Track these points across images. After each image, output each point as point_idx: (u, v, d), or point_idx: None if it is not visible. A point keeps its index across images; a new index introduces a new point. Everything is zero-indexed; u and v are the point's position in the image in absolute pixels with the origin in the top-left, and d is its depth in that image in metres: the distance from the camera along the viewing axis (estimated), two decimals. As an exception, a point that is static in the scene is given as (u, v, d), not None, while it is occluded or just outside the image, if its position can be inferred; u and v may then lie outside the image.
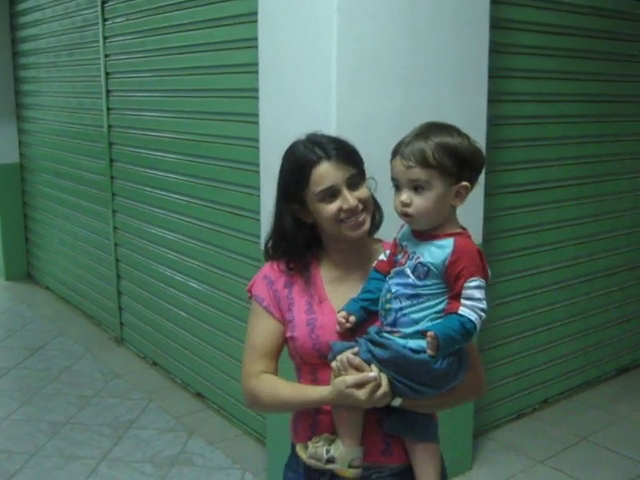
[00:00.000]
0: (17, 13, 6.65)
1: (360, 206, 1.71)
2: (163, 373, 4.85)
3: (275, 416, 3.39)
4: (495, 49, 3.44)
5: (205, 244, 4.20)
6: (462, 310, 1.54)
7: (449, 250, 1.56)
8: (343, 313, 1.69)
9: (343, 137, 1.80)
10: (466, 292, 1.55)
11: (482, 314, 1.55)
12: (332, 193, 1.70)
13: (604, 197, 4.42)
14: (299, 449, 1.73)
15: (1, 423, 4.16)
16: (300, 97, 3.01)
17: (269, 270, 1.84)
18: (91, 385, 4.68)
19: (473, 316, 1.53)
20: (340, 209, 1.70)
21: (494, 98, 3.50)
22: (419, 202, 1.57)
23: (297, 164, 1.73)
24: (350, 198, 1.69)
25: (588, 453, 3.87)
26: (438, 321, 1.57)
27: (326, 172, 1.69)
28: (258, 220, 3.41)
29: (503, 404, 4.13)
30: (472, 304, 1.54)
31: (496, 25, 3.41)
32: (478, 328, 1.55)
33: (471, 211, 3.34)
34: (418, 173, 1.56)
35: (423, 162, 1.55)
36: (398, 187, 1.60)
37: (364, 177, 1.76)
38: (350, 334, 1.71)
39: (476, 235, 3.42)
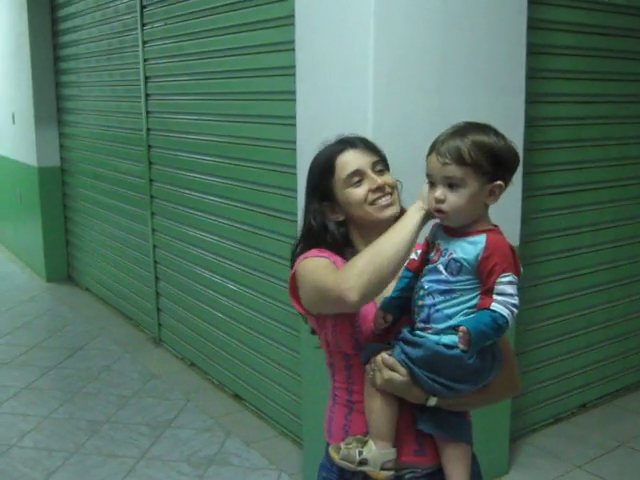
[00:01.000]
0: (58, 19, 6.77)
1: (388, 188, 1.77)
2: (200, 374, 4.89)
3: (311, 417, 3.41)
4: (533, 50, 3.41)
5: (242, 246, 4.23)
6: (494, 306, 1.55)
7: (482, 246, 1.57)
8: (380, 312, 1.70)
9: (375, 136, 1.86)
10: (498, 287, 1.56)
11: (514, 309, 1.55)
12: (359, 177, 1.77)
13: (644, 199, 4.36)
14: (332, 450, 1.74)
15: (42, 421, 4.24)
16: (337, 100, 3.03)
17: (314, 252, 1.79)
18: (130, 385, 4.74)
19: (505, 311, 1.55)
20: (368, 190, 1.76)
21: (532, 99, 3.48)
22: (453, 199, 1.58)
23: (323, 157, 1.82)
24: (378, 178, 1.77)
25: (627, 459, 3.81)
26: (470, 316, 1.58)
27: (351, 157, 1.78)
28: (295, 222, 3.42)
29: (541, 408, 4.09)
30: (504, 299, 1.55)
31: (533, 25, 3.39)
32: (510, 323, 1.56)
33: (508, 213, 3.36)
34: (453, 170, 1.57)
35: (459, 160, 1.57)
36: (433, 184, 1.62)
37: (388, 167, 1.83)
38: (384, 333, 1.71)
39: (513, 237, 3.41)
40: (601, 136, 4.03)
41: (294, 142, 3.33)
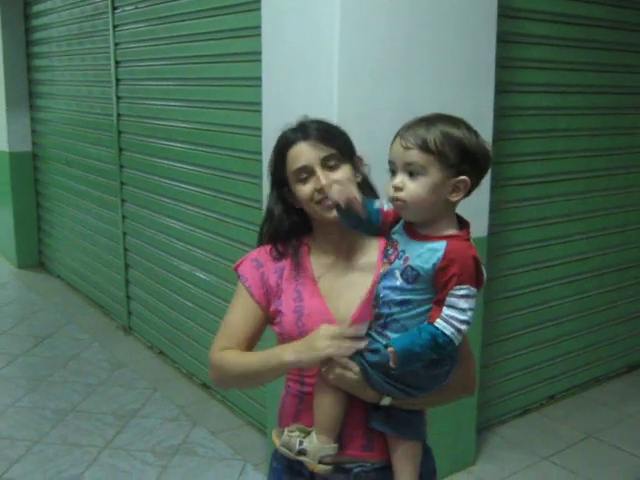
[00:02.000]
0: (30, 2, 6.66)
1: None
2: (169, 363, 4.85)
3: (276, 407, 3.37)
4: (504, 39, 3.39)
5: (210, 233, 4.18)
6: (438, 322, 1.48)
7: (440, 254, 1.49)
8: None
9: (339, 124, 1.77)
10: (450, 300, 1.48)
11: (461, 327, 1.48)
12: (306, 174, 1.67)
13: (614, 191, 4.35)
14: (274, 435, 1.71)
15: (6, 410, 4.18)
16: (303, 86, 2.98)
17: (259, 253, 1.82)
18: (97, 373, 4.69)
19: (448, 330, 1.47)
20: (314, 189, 1.67)
21: (502, 89, 3.46)
22: (412, 187, 1.49)
23: (278, 145, 1.74)
24: (323, 178, 1.65)
25: (594, 451, 3.82)
26: (407, 332, 1.52)
27: (300, 152, 1.68)
28: (260, 209, 3.38)
29: (509, 399, 4.09)
30: (452, 315, 1.47)
31: (505, 14, 3.36)
32: (457, 342, 1.49)
33: (477, 203, 3.33)
34: (416, 156, 1.48)
35: (422, 146, 1.48)
36: (394, 172, 1.54)
37: (346, 160, 1.69)
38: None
39: (482, 228, 3.39)
40: (571, 127, 4.01)
41: (260, 129, 3.28)
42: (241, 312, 1.78)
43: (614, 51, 4.11)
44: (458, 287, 1.47)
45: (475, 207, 3.33)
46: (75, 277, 6.47)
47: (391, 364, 1.51)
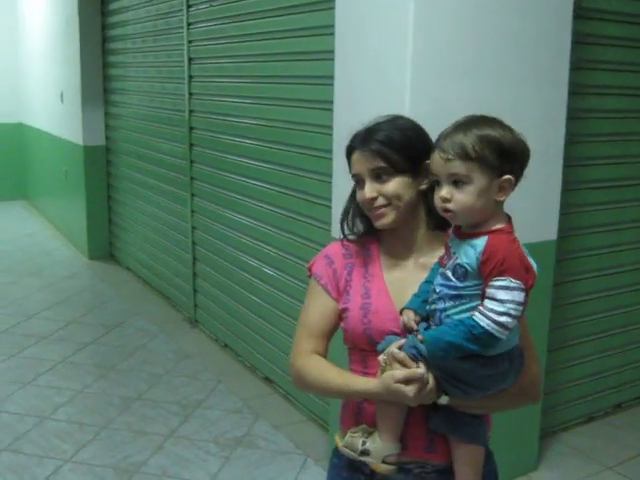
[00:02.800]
0: (106, 1, 6.83)
1: (381, 200, 1.69)
2: (233, 356, 4.92)
3: (338, 403, 3.40)
4: (579, 40, 3.34)
5: (279, 230, 4.23)
6: (475, 314, 1.49)
7: (481, 249, 1.50)
8: (410, 314, 1.65)
9: (412, 124, 1.77)
10: (489, 291, 1.49)
11: (500, 319, 1.47)
12: (359, 181, 1.74)
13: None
14: (337, 437, 1.73)
15: (76, 395, 4.31)
16: (375, 85, 2.99)
17: (331, 250, 1.86)
18: (163, 364, 4.79)
19: (484, 322, 1.48)
20: (362, 198, 1.73)
21: (577, 90, 3.40)
22: (460, 197, 1.51)
23: (347, 147, 1.78)
24: (368, 190, 1.70)
25: (661, 462, 3.74)
26: (444, 324, 1.55)
27: (356, 159, 1.73)
28: (330, 207, 3.41)
29: (574, 406, 4.02)
30: (490, 306, 1.48)
31: (580, 15, 3.31)
32: (499, 335, 1.48)
33: (548, 206, 3.30)
34: (458, 166, 1.50)
35: (463, 155, 1.49)
36: (439, 182, 1.56)
37: (402, 171, 1.69)
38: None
39: (551, 231, 3.35)
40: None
41: (331, 127, 3.31)
42: (319, 310, 1.81)
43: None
44: (497, 278, 1.48)
45: (545, 210, 3.30)
46: (144, 269, 6.62)
47: (422, 351, 1.54)
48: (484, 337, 1.48)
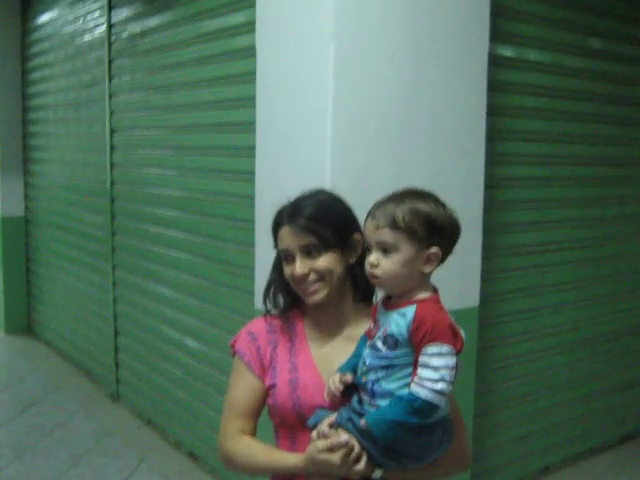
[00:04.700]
0: (28, 70, 6.77)
1: (312, 276, 1.69)
2: (157, 432, 4.76)
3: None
4: (495, 111, 3.45)
5: (201, 301, 4.17)
6: (412, 387, 1.50)
7: (410, 317, 1.53)
8: (336, 377, 1.64)
9: (336, 199, 1.79)
10: (422, 359, 1.51)
11: (436, 386, 1.48)
12: (288, 256, 1.72)
13: (605, 260, 4.37)
14: None
15: (-11, 480, 4.09)
16: (295, 155, 3.02)
17: (254, 326, 1.84)
18: (83, 443, 4.59)
19: (422, 392, 1.49)
20: (291, 274, 1.72)
21: (493, 159, 3.50)
22: (386, 264, 1.57)
23: (273, 221, 1.77)
24: (298, 267, 1.69)
25: (590, 524, 3.75)
26: (385, 404, 1.54)
27: (283, 236, 1.72)
28: (252, 277, 3.38)
29: (502, 471, 4.02)
30: (425, 375, 1.49)
31: (495, 87, 3.43)
32: (438, 402, 1.49)
33: (469, 273, 3.34)
34: (387, 234, 1.56)
35: (392, 224, 1.55)
36: (369, 249, 1.60)
37: (331, 247, 1.70)
38: (336, 401, 1.67)
39: (473, 297, 3.39)
40: (562, 197, 4.05)
41: (253, 197, 3.31)
42: (244, 389, 1.78)
43: (603, 124, 4.18)
44: (429, 345, 1.50)
45: (467, 277, 3.34)
46: (64, 343, 6.41)
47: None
48: (424, 408, 1.49)
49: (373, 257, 1.58)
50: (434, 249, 1.57)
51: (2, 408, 5.19)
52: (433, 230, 1.56)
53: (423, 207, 1.57)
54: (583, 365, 4.37)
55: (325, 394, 1.66)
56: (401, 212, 1.55)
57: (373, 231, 1.58)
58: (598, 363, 4.46)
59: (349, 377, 1.63)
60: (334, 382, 1.64)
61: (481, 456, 3.82)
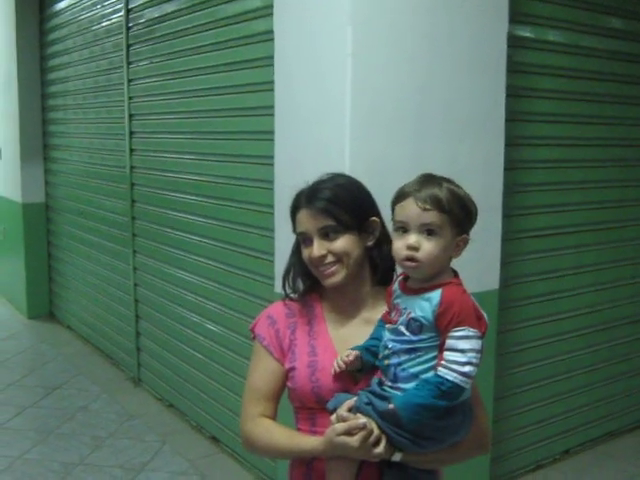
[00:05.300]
0: (46, 57, 6.80)
1: (330, 257, 1.70)
2: (178, 415, 4.81)
3: (286, 462, 3.34)
4: (513, 93, 3.43)
5: (221, 285, 4.19)
6: (439, 370, 1.50)
7: (436, 301, 1.53)
8: (346, 354, 1.66)
9: (354, 182, 1.80)
10: (449, 342, 1.51)
11: (463, 369, 1.49)
12: (306, 239, 1.73)
13: (625, 243, 4.34)
14: None
15: (14, 462, 4.14)
16: (314, 141, 3.02)
17: (273, 310, 1.85)
18: (106, 426, 4.65)
19: (450, 375, 1.49)
20: (309, 256, 1.72)
21: (512, 142, 3.48)
22: (428, 247, 1.53)
23: (291, 205, 1.78)
24: (316, 248, 1.70)
25: (610, 507, 3.75)
26: (411, 386, 1.54)
27: (302, 218, 1.73)
28: (272, 262, 3.40)
29: (521, 454, 4.03)
30: (453, 358, 1.49)
31: (514, 69, 3.41)
32: (465, 385, 1.50)
33: (489, 256, 3.34)
34: (435, 216, 1.53)
35: (439, 206, 1.53)
36: (405, 230, 1.56)
37: (349, 229, 1.71)
38: (353, 382, 1.68)
39: (493, 280, 3.39)
40: (582, 179, 4.02)
41: (272, 182, 3.32)
42: (264, 373, 1.80)
43: (623, 104, 4.14)
44: (456, 329, 1.50)
45: (487, 260, 3.34)
46: (85, 328, 6.47)
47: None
48: (452, 390, 1.49)
49: (414, 239, 1.54)
50: (465, 235, 1.58)
51: (26, 392, 5.26)
52: (468, 215, 1.58)
53: (460, 191, 1.58)
54: (603, 348, 4.35)
55: (341, 365, 1.67)
56: (444, 195, 1.54)
57: (418, 213, 1.53)
58: (618, 346, 4.44)
59: (351, 356, 1.64)
60: (337, 363, 1.66)
61: (500, 439, 3.83)
